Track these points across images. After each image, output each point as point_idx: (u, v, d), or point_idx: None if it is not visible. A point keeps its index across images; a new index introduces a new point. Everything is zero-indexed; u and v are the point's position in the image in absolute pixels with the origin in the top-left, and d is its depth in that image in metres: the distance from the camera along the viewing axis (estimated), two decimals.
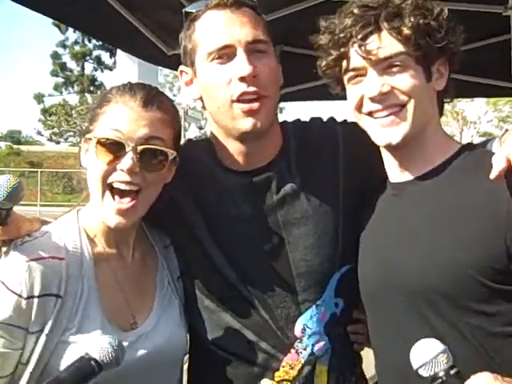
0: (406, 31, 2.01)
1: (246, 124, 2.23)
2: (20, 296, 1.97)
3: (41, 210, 28.63)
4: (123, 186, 2.12)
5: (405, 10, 2.03)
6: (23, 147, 61.07)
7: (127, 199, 2.13)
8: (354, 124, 2.27)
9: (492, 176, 1.86)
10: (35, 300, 1.99)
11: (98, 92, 55.84)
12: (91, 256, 2.16)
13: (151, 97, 2.19)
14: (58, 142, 56.46)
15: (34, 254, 2.02)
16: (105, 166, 2.12)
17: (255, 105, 2.21)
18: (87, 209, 2.26)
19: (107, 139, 2.12)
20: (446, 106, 2.27)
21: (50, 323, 2.01)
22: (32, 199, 39.57)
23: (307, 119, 2.59)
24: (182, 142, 2.56)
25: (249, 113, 2.22)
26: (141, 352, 2.15)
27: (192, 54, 2.31)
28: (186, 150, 2.42)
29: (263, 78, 2.23)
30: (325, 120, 2.56)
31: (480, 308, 1.91)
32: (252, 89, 2.20)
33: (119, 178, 2.11)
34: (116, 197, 2.12)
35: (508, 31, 5.60)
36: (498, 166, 1.86)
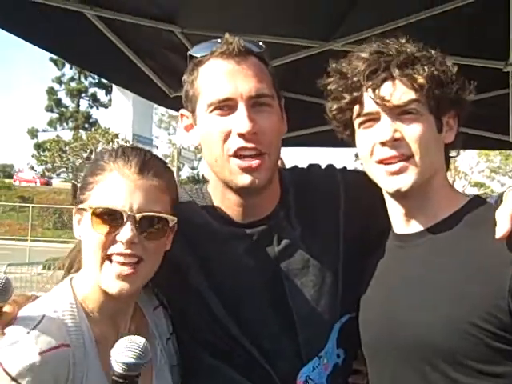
0: (420, 80, 2.02)
1: (244, 180, 2.20)
2: None
3: (31, 245, 28.42)
4: (122, 260, 2.03)
5: (419, 59, 2.05)
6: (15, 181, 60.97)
7: (127, 267, 2.04)
8: (354, 171, 2.27)
9: (497, 236, 1.87)
10: None
11: (93, 129, 55.87)
12: (92, 338, 2.05)
13: (146, 163, 2.11)
14: (50, 178, 56.37)
15: (46, 344, 1.89)
16: (102, 237, 2.03)
17: (254, 162, 2.18)
18: (81, 280, 2.15)
19: (104, 209, 2.04)
20: None
21: None
22: (22, 234, 39.42)
23: (306, 166, 2.56)
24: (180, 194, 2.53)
25: (247, 169, 2.18)
26: None
27: (193, 100, 2.27)
28: (181, 201, 2.37)
29: (264, 134, 2.18)
30: (324, 167, 2.54)
31: (479, 367, 1.90)
32: (251, 145, 2.16)
33: (118, 251, 2.03)
34: (115, 263, 2.04)
35: (506, 86, 5.68)
36: (503, 225, 1.86)
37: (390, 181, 2.08)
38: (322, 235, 2.35)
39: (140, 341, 1.82)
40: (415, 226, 2.15)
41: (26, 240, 33.09)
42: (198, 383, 2.33)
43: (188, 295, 2.32)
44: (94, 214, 2.04)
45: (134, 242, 2.03)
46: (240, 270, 2.30)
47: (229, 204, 2.33)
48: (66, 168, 50.11)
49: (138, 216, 2.03)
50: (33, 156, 59.34)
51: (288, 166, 2.64)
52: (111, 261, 2.03)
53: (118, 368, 1.78)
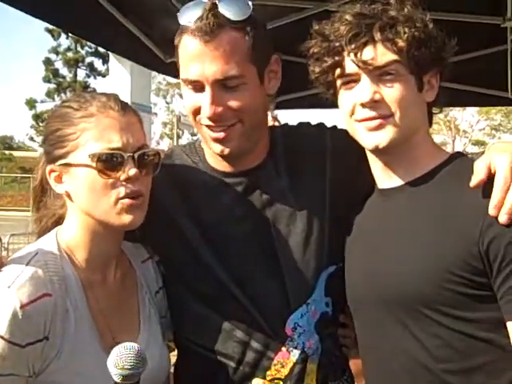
0: (400, 43, 2.03)
1: (216, 148, 2.27)
2: (18, 345, 1.89)
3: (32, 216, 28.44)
4: (129, 198, 2.08)
5: (399, 22, 2.06)
6: (15, 153, 60.96)
7: (135, 201, 2.09)
8: (343, 130, 2.28)
9: (472, 184, 1.91)
10: (29, 347, 1.91)
11: None
12: (79, 283, 2.09)
13: (122, 101, 2.17)
14: None
15: (27, 297, 1.90)
16: (108, 182, 2.07)
17: (221, 134, 2.23)
18: (66, 230, 2.18)
19: (106, 155, 2.05)
20: (439, 115, 2.28)
21: (37, 366, 1.95)
22: (24, 205, 39.47)
23: (296, 123, 2.60)
24: (172, 146, 2.59)
25: (216, 140, 2.25)
26: None
27: (178, 64, 2.31)
28: (173, 155, 2.49)
29: (231, 111, 2.21)
30: (314, 124, 2.58)
31: (458, 314, 1.94)
32: (216, 123, 2.22)
33: (128, 190, 2.08)
34: (122, 201, 2.08)
35: (504, 42, 5.67)
36: (477, 174, 1.91)
37: (368, 137, 2.11)
38: (309, 187, 2.39)
39: (135, 348, 1.83)
40: (396, 181, 2.18)
41: (28, 211, 33.17)
42: (188, 331, 2.39)
43: (177, 241, 2.37)
44: (97, 161, 2.05)
45: (138, 178, 2.08)
46: (228, 217, 2.34)
47: (217, 157, 2.37)
48: None
49: (137, 155, 2.08)
50: (32, 127, 59.38)
51: None
52: (118, 200, 2.08)
53: (115, 378, 1.80)
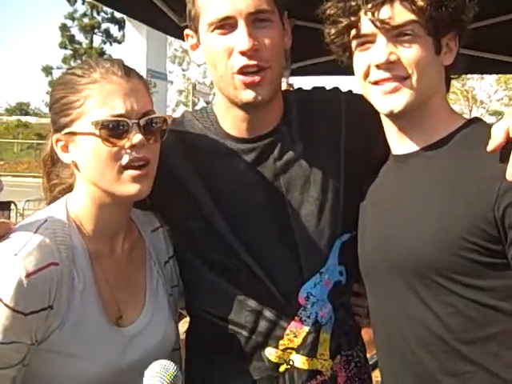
0: (419, 2, 1.98)
1: (248, 95, 2.21)
2: (21, 313, 1.87)
3: None
4: (136, 164, 2.05)
5: None
6: (32, 119, 61.08)
7: (141, 170, 2.06)
8: (358, 95, 2.26)
9: (489, 148, 1.86)
10: (33, 315, 1.89)
11: None
12: (87, 254, 2.07)
13: (126, 66, 2.12)
14: None
15: (33, 266, 1.88)
16: (113, 150, 2.02)
17: (256, 77, 2.19)
18: (76, 199, 2.15)
19: (110, 122, 2.00)
20: (456, 84, 2.26)
21: (39, 334, 1.94)
22: (40, 171, 39.55)
23: (310, 88, 2.57)
24: (183, 111, 2.54)
25: (250, 85, 2.20)
26: (135, 354, 2.10)
27: (195, 20, 2.27)
28: (183, 120, 2.45)
29: (265, 50, 2.18)
30: (328, 89, 2.54)
31: (470, 282, 1.91)
32: (253, 62, 2.17)
33: (132, 157, 2.04)
34: (129, 170, 2.04)
35: None
36: (495, 138, 1.86)
37: (383, 101, 2.07)
38: (323, 152, 2.36)
39: (173, 370, 1.82)
40: (411, 146, 2.14)
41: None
42: (200, 300, 2.37)
43: (189, 208, 2.34)
44: (101, 128, 2.00)
45: (144, 144, 2.04)
46: (242, 185, 2.32)
47: (233, 120, 2.34)
48: None
49: (143, 121, 2.04)
50: (48, 93, 59.28)
51: None
52: (124, 168, 2.04)
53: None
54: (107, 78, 2.05)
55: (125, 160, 2.03)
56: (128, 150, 2.03)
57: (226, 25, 2.17)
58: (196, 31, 2.29)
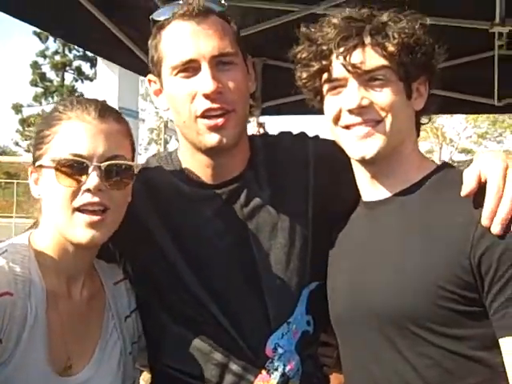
0: (390, 47, 1.99)
1: (212, 139, 2.18)
2: None
3: (16, 222, 28.25)
4: (91, 207, 1.98)
5: (389, 27, 2.02)
6: (0, 158, 60.63)
7: (95, 215, 1.99)
8: (326, 140, 2.26)
9: (462, 193, 1.86)
10: None
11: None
12: (44, 291, 1.99)
13: (104, 107, 2.09)
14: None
15: None
16: (68, 189, 1.97)
17: (220, 120, 2.16)
18: (40, 234, 2.09)
19: (68, 160, 1.97)
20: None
21: None
22: (7, 211, 39.20)
23: (277, 133, 2.55)
24: (147, 157, 2.51)
25: (214, 128, 2.17)
26: None
27: (158, 65, 2.25)
28: (149, 167, 2.40)
29: (229, 92, 2.17)
30: (295, 134, 2.52)
31: (448, 332, 1.87)
32: (216, 105, 2.15)
33: (85, 200, 1.97)
34: (83, 213, 1.98)
35: (491, 48, 5.64)
36: (468, 183, 1.86)
37: (355, 146, 2.05)
38: (291, 199, 2.32)
39: None
40: (382, 193, 2.12)
41: (12, 217, 32.91)
42: (164, 354, 2.30)
43: (155, 258, 2.28)
44: (57, 166, 1.97)
45: (101, 189, 1.97)
46: (208, 232, 2.27)
47: (197, 165, 2.31)
48: None
49: (104, 165, 1.98)
50: (17, 131, 59.05)
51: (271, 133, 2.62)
52: (79, 211, 1.98)
53: None
54: (80, 117, 2.02)
55: (78, 202, 1.98)
56: (84, 193, 1.98)
57: (190, 68, 2.16)
58: (159, 75, 2.27)
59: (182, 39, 2.16)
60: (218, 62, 2.15)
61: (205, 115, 2.16)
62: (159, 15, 2.24)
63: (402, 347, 1.94)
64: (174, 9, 2.20)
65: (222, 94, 2.14)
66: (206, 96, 2.13)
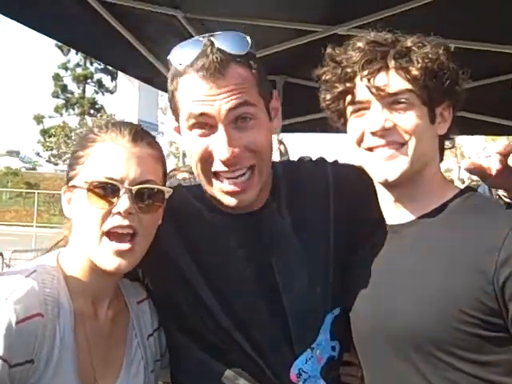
0: (414, 71, 2.00)
1: (231, 201, 2.17)
2: (7, 363, 1.78)
3: (37, 231, 28.44)
4: (120, 230, 1.99)
5: (413, 51, 2.03)
6: (21, 168, 61.02)
7: (125, 243, 2.01)
8: (344, 164, 2.27)
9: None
10: (17, 368, 1.82)
11: (99, 115, 56.00)
12: (72, 312, 2.00)
13: (138, 132, 2.09)
14: (56, 164, 56.41)
15: (23, 313, 1.83)
16: (100, 212, 1.99)
17: (238, 188, 2.14)
18: (68, 255, 2.11)
19: (100, 182, 1.99)
20: None
21: None
22: (28, 220, 39.50)
23: (296, 159, 2.55)
24: (171, 180, 2.49)
25: (232, 194, 2.15)
26: None
27: (176, 112, 2.21)
28: (177, 194, 2.32)
29: (247, 152, 2.12)
30: (314, 160, 2.52)
31: (471, 357, 1.87)
32: (232, 167, 2.12)
33: (116, 223, 1.99)
34: (113, 241, 2.00)
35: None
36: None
37: (378, 169, 2.07)
38: (312, 226, 2.32)
39: None
40: (405, 216, 2.13)
41: (32, 226, 33.14)
42: (188, 379, 2.30)
43: (179, 285, 2.27)
44: (90, 188, 1.99)
45: (131, 212, 1.99)
46: (232, 261, 2.26)
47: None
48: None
49: (135, 188, 2.00)
50: (38, 142, 59.48)
51: (291, 152, 2.62)
52: (109, 237, 2.00)
53: None
54: (114, 140, 2.05)
55: (107, 225, 2.00)
56: (115, 216, 2.00)
57: (206, 125, 2.10)
58: (177, 120, 2.23)
59: (198, 96, 2.07)
60: (237, 118, 2.09)
61: (220, 175, 2.14)
62: (177, 59, 2.13)
63: (425, 372, 1.94)
64: (192, 53, 2.08)
65: (239, 157, 2.10)
66: (222, 161, 2.10)
